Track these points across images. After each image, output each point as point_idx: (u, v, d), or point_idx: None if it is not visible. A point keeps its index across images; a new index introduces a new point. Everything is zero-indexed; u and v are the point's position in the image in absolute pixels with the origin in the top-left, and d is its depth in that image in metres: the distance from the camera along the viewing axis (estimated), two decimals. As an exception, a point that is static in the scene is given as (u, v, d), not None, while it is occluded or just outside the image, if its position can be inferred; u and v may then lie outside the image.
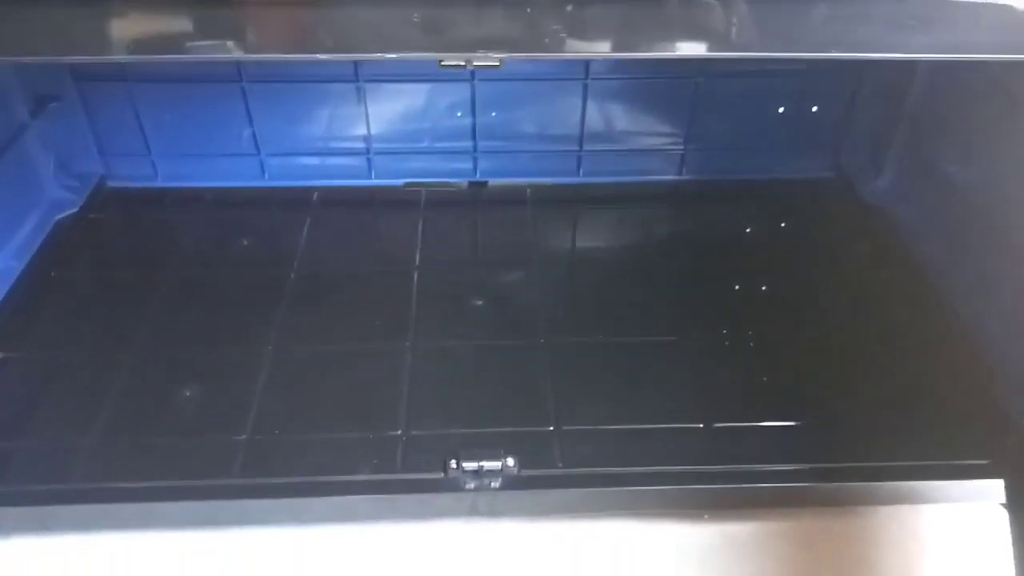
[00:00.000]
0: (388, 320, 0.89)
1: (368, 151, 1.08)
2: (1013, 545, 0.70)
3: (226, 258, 0.99)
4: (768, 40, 0.43)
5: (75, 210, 1.03)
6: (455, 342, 0.86)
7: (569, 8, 0.40)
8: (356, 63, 0.99)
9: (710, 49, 0.42)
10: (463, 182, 1.11)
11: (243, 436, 0.75)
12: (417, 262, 0.98)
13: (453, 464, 0.70)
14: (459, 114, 1.05)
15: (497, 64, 0.42)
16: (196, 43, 0.42)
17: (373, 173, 1.10)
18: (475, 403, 0.78)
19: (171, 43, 0.43)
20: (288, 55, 0.43)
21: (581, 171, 1.11)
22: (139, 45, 0.43)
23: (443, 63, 0.43)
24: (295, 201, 1.08)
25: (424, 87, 1.03)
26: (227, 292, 0.94)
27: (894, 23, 0.44)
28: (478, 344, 0.86)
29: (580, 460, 0.72)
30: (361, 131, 1.06)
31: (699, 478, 0.71)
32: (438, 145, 1.08)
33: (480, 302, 0.92)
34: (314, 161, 1.09)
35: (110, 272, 0.97)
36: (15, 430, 0.76)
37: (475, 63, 0.42)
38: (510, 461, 0.70)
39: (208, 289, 0.94)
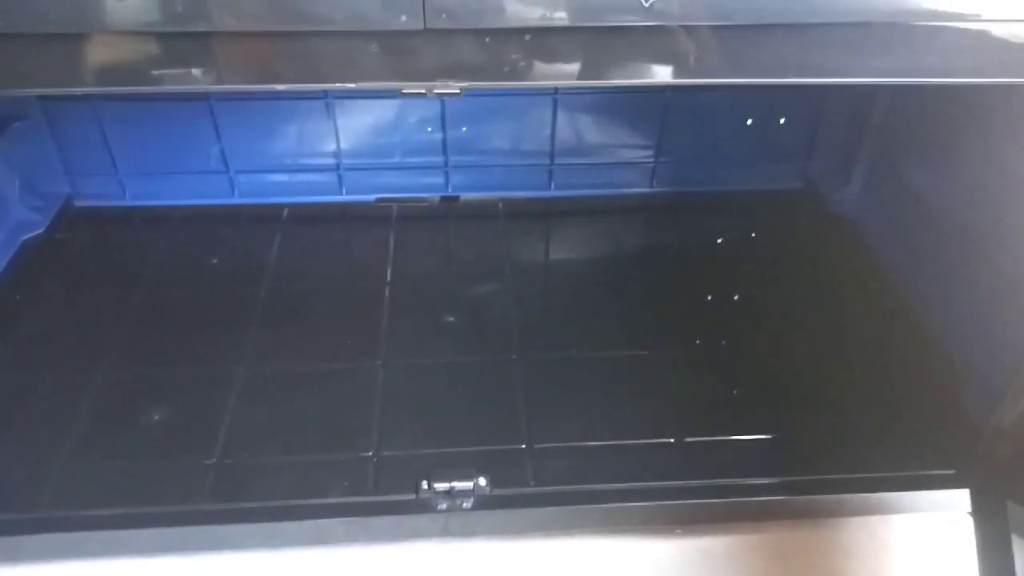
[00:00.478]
0: (360, 338, 0.88)
1: (339, 167, 1.08)
2: (978, 554, 0.71)
3: (196, 277, 0.98)
4: (729, 67, 0.43)
5: (41, 231, 1.02)
6: (427, 360, 0.86)
7: (527, 37, 0.40)
8: (324, 80, 0.98)
9: (672, 75, 0.43)
10: (435, 197, 1.11)
11: (213, 460, 0.74)
12: (389, 278, 0.97)
13: (425, 485, 0.69)
14: (429, 129, 1.05)
15: (458, 92, 0.42)
16: (161, 72, 0.42)
17: (344, 189, 1.10)
18: (447, 421, 0.78)
19: (135, 75, 0.43)
20: (250, 86, 0.42)
21: (553, 184, 1.11)
22: (102, 77, 0.43)
23: (404, 91, 0.44)
24: (265, 218, 1.07)
25: (394, 103, 1.03)
26: (197, 311, 0.93)
27: (852, 48, 0.45)
28: (450, 361, 0.86)
29: (552, 478, 0.72)
30: (331, 147, 1.06)
31: (671, 493, 0.71)
32: (409, 160, 1.08)
33: (452, 318, 0.92)
34: (284, 178, 1.09)
35: (77, 293, 0.96)
36: (-21, 458, 0.75)
37: (436, 91, 0.42)
38: (482, 481, 0.70)
39: (177, 309, 0.93)
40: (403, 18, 0.38)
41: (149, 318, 0.91)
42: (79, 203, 1.08)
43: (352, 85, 0.41)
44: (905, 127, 0.94)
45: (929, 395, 0.81)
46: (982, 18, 0.43)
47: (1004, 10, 0.43)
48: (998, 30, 0.44)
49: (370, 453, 0.75)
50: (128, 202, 1.08)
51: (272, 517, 0.69)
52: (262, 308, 0.93)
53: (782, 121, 1.07)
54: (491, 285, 0.98)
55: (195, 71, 0.42)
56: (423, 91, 0.43)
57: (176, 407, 0.80)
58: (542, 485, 0.72)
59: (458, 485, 0.69)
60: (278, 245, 1.03)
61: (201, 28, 0.39)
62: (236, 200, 1.09)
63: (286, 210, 1.08)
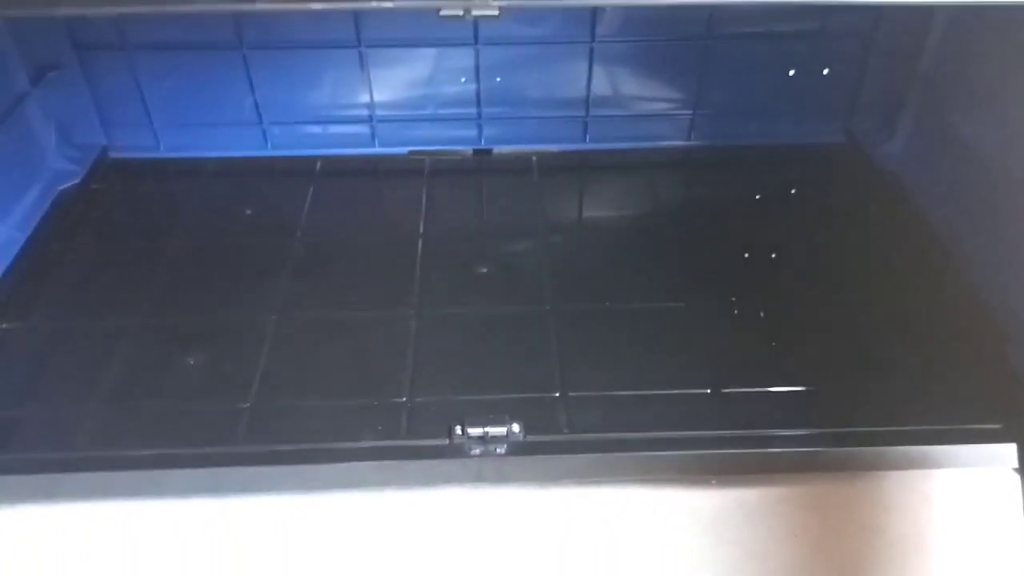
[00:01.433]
0: (392, 288, 0.88)
1: (371, 119, 1.07)
2: (1025, 509, 0.69)
3: (229, 228, 0.99)
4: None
5: (77, 181, 1.02)
6: (460, 310, 0.85)
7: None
8: (358, 26, 0.97)
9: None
10: (468, 150, 1.10)
11: (247, 404, 0.75)
12: (422, 230, 0.97)
13: (458, 430, 0.69)
14: (463, 80, 1.03)
15: (496, 13, 0.41)
16: None
17: (377, 141, 1.09)
18: (480, 370, 0.78)
19: None
20: (284, 5, 0.41)
21: (588, 137, 1.09)
22: None
23: (441, 13, 0.42)
24: (298, 170, 1.07)
25: (428, 52, 1.02)
26: (230, 261, 0.93)
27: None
28: (483, 312, 0.85)
29: (586, 425, 0.72)
30: (364, 99, 1.05)
31: (707, 443, 0.70)
32: (442, 112, 1.07)
33: (485, 270, 0.91)
34: (317, 129, 1.08)
35: (113, 242, 0.96)
36: (19, 399, 0.76)
37: (474, 12, 0.40)
38: (515, 427, 0.69)
39: (211, 258, 0.93)
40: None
41: (184, 267, 0.92)
42: (114, 154, 1.08)
43: (389, 4, 0.40)
44: (954, 76, 0.91)
45: (975, 350, 0.78)
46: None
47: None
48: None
49: (404, 399, 0.75)
50: (163, 154, 1.08)
51: (305, 459, 0.69)
52: (295, 258, 0.92)
53: (825, 72, 1.04)
54: (524, 238, 0.97)
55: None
56: (460, 12, 0.42)
57: (211, 352, 0.80)
58: (576, 432, 0.71)
59: (492, 431, 0.68)
60: (311, 197, 1.02)
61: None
62: (269, 152, 1.09)
63: (319, 162, 1.08)
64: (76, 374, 0.78)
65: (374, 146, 1.09)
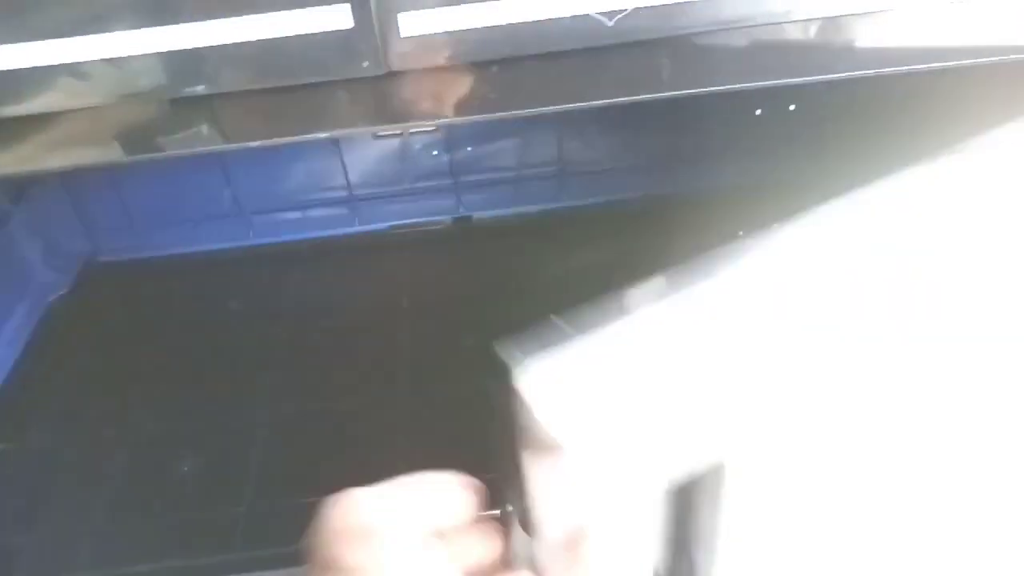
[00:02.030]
0: (381, 371, 0.88)
1: (350, 199, 1.08)
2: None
3: (217, 322, 0.99)
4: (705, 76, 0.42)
5: (65, 291, 1.03)
6: (454, 387, 0.85)
7: (495, 69, 0.39)
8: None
9: (648, 92, 0.42)
10: (448, 219, 1.11)
11: (242, 508, 0.75)
12: (406, 305, 0.97)
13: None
14: (435, 153, 1.05)
15: (433, 128, 0.42)
16: (170, 138, 0.42)
17: (357, 220, 1.10)
18: (480, 451, 0.77)
19: (145, 142, 0.43)
20: (225, 146, 0.42)
21: (563, 196, 1.10)
22: (109, 150, 0.43)
23: (378, 135, 0.43)
24: (282, 256, 1.08)
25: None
26: (219, 357, 0.94)
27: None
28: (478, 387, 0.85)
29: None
30: (341, 181, 1.06)
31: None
32: (419, 185, 1.08)
33: (472, 341, 0.91)
34: (297, 215, 1.09)
35: (103, 351, 0.97)
36: (18, 524, 0.76)
37: (410, 132, 0.41)
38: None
39: (200, 357, 0.94)
40: (365, 64, 0.37)
41: (173, 368, 0.92)
42: (101, 258, 1.09)
43: (324, 135, 0.41)
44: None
45: None
46: None
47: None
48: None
49: (398, 489, 0.74)
50: (148, 253, 1.10)
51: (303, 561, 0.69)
52: (283, 348, 0.93)
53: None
54: (512, 302, 0.97)
55: (201, 130, 0.42)
56: (399, 132, 0.42)
57: (204, 456, 0.81)
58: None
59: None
60: (296, 282, 1.03)
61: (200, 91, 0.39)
62: (253, 241, 1.10)
63: (302, 246, 1.09)
64: (72, 493, 0.79)
65: (355, 225, 1.10)
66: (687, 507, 0.34)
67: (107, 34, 0.35)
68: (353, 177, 1.06)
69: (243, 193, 1.06)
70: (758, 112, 1.05)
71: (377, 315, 0.98)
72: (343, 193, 1.07)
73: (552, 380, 0.29)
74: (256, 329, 0.97)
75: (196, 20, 0.35)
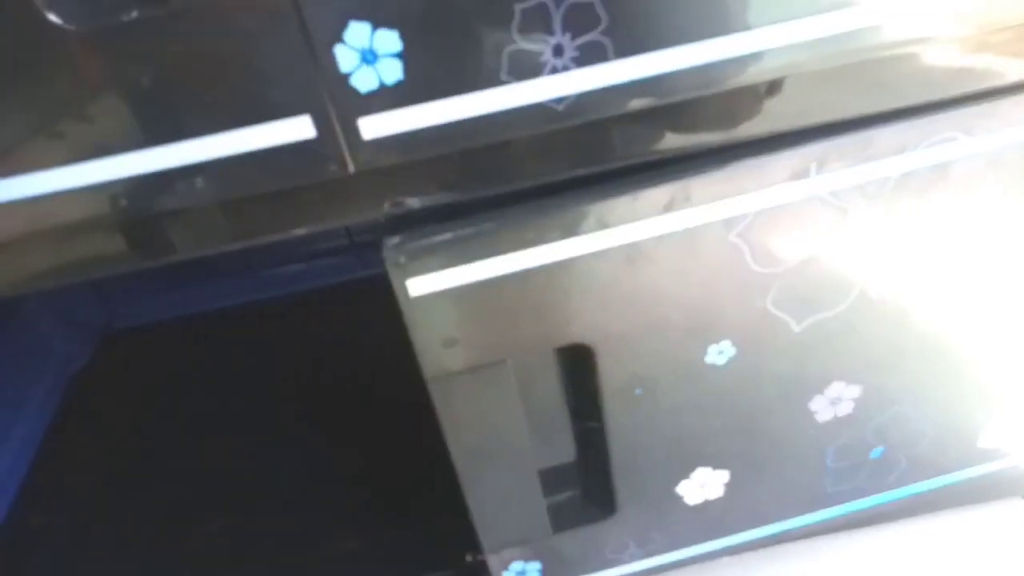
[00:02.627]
0: (393, 423, 0.90)
1: (352, 247, 1.11)
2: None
3: (235, 378, 1.02)
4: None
5: (85, 360, 1.06)
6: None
7: (455, 159, 0.41)
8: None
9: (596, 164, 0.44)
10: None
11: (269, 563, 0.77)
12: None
13: (472, 562, 0.70)
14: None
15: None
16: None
17: (360, 266, 1.12)
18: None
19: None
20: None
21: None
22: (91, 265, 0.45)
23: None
24: (291, 307, 1.10)
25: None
26: (239, 413, 0.96)
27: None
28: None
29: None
30: (341, 229, 1.09)
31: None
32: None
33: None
34: (302, 267, 1.12)
35: (127, 416, 1.00)
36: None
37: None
38: None
39: (220, 414, 0.96)
40: (332, 168, 0.39)
41: (193, 431, 0.95)
42: (116, 325, 1.12)
43: (301, 231, 0.43)
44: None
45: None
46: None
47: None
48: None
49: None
50: (160, 316, 1.12)
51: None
52: (301, 399, 0.95)
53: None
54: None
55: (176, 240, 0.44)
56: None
57: (233, 514, 0.83)
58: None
59: None
60: (308, 330, 1.06)
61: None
62: (261, 296, 1.13)
63: (309, 295, 1.11)
64: (105, 562, 0.81)
65: (358, 271, 1.12)
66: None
67: (92, 162, 0.38)
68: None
69: (248, 249, 1.08)
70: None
71: (386, 364, 1.00)
72: (344, 242, 1.10)
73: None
74: (273, 381, 0.99)
75: (168, 143, 0.37)
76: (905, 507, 0.71)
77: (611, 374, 0.53)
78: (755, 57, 0.40)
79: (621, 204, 0.44)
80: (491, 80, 0.38)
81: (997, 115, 0.46)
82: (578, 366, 0.55)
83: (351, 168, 0.39)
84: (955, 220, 0.51)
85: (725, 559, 0.72)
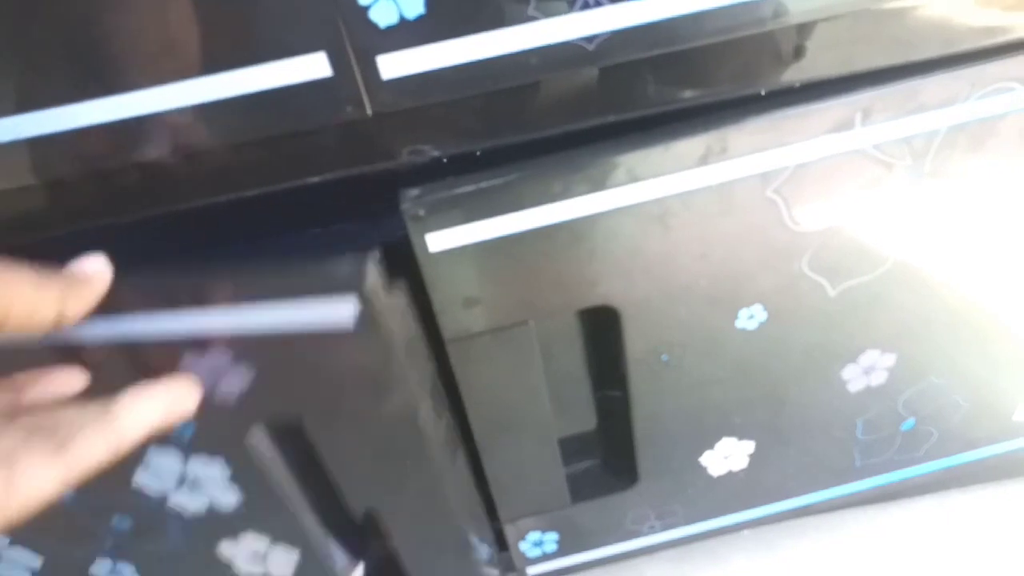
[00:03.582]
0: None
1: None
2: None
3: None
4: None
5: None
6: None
7: (478, 102, 0.39)
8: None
9: (629, 111, 0.41)
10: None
11: None
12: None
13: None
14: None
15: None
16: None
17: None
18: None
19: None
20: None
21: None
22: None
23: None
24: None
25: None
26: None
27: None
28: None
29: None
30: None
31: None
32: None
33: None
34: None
35: None
36: None
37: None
38: None
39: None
40: (348, 109, 0.37)
41: None
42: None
43: (316, 179, 0.41)
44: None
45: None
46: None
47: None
48: None
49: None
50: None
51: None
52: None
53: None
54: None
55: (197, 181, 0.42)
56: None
57: None
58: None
59: None
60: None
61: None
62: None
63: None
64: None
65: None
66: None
67: (108, 98, 0.35)
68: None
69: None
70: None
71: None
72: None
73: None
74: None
75: (178, 81, 0.35)
76: (935, 481, 0.69)
77: (637, 339, 0.51)
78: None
79: (653, 155, 0.42)
80: (519, 16, 0.35)
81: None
82: (602, 331, 0.53)
83: (369, 110, 0.37)
84: (1005, 180, 0.48)
85: (746, 533, 0.70)
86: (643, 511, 0.65)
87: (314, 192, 0.42)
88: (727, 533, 0.69)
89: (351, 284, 0.39)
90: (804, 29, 0.41)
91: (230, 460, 0.50)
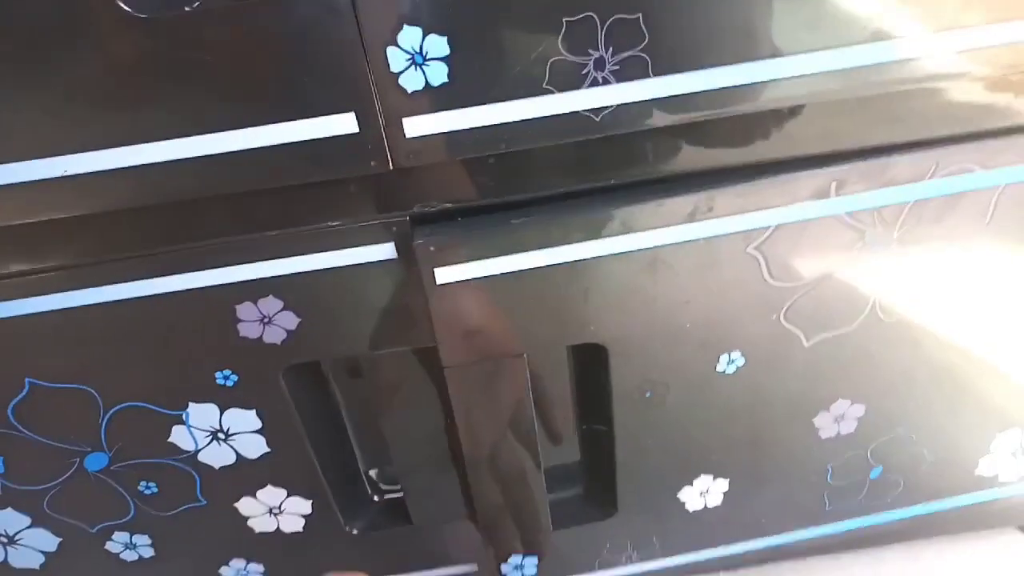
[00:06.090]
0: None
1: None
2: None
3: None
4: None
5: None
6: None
7: (492, 161, 0.43)
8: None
9: (629, 175, 0.45)
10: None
11: None
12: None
13: None
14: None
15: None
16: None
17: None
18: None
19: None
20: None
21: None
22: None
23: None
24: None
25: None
26: None
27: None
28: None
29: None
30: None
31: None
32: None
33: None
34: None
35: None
36: None
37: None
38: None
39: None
40: (372, 163, 0.41)
41: None
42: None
43: (336, 223, 0.45)
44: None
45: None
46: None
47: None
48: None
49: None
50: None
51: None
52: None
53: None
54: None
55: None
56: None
57: None
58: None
59: None
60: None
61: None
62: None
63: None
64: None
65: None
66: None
67: (152, 144, 0.40)
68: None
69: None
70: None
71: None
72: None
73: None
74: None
75: (220, 131, 0.39)
76: (901, 529, 0.72)
77: (623, 375, 0.55)
78: (783, 82, 0.42)
79: (646, 210, 0.46)
80: (533, 88, 0.39)
81: (1014, 151, 0.48)
82: (590, 368, 0.57)
83: (392, 164, 0.41)
84: (966, 249, 0.52)
85: (722, 574, 0.73)
86: (621, 541, 0.68)
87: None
88: (703, 571, 0.72)
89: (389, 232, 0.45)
90: (796, 110, 0.46)
91: (262, 411, 0.54)
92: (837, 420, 0.61)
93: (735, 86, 0.41)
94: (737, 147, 0.45)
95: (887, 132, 0.47)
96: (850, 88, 0.43)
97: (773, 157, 0.47)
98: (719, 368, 0.55)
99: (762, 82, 0.41)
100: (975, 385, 0.62)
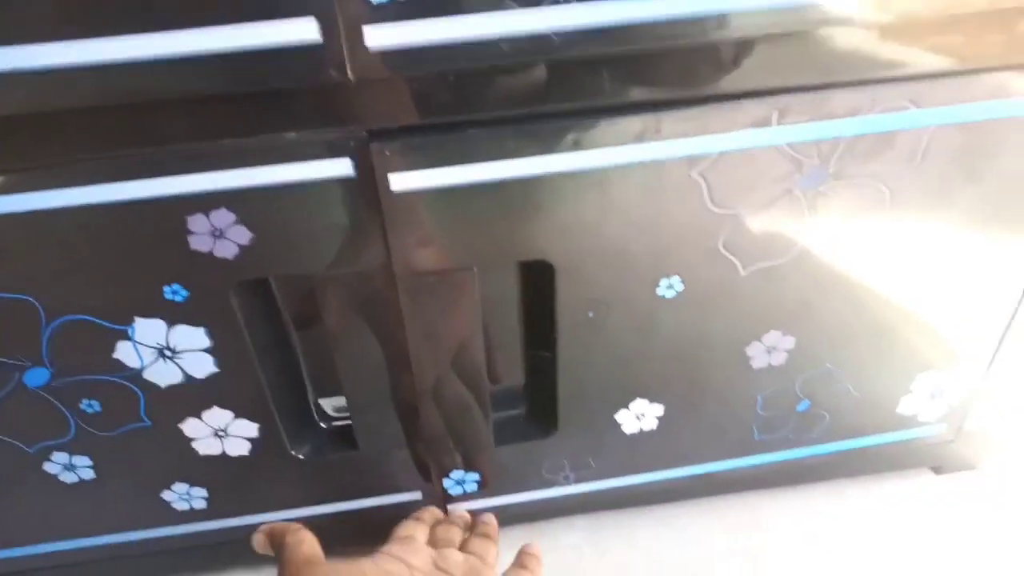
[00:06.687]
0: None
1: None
2: None
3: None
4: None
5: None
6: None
7: (452, 78, 0.45)
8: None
9: (586, 100, 0.47)
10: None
11: None
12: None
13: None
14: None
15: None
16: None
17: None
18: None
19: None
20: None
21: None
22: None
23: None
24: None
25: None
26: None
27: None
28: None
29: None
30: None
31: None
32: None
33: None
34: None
35: None
36: None
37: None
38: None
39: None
40: (332, 73, 0.42)
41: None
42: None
43: (293, 134, 0.46)
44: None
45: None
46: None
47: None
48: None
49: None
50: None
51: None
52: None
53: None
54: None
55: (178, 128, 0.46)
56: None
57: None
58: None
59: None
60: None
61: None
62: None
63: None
64: None
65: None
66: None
67: (96, 40, 0.40)
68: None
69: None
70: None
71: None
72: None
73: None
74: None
75: (178, 28, 0.40)
76: (827, 463, 0.76)
77: (568, 294, 0.57)
78: (726, 16, 0.44)
79: (597, 128, 0.48)
80: (496, 4, 0.41)
81: (945, 90, 0.50)
82: (535, 292, 0.59)
83: (351, 76, 0.42)
84: (896, 191, 0.55)
85: (655, 508, 0.76)
86: (559, 461, 0.71)
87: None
88: (637, 493, 0.75)
89: (346, 146, 0.46)
90: (739, 44, 0.47)
91: (212, 329, 0.54)
92: (769, 351, 0.64)
93: (690, 15, 0.43)
94: (690, 80, 0.47)
95: (827, 71, 0.49)
96: (784, 24, 0.45)
97: (721, 91, 0.48)
98: (659, 292, 0.57)
99: (710, 15, 0.43)
100: (899, 325, 0.65)
